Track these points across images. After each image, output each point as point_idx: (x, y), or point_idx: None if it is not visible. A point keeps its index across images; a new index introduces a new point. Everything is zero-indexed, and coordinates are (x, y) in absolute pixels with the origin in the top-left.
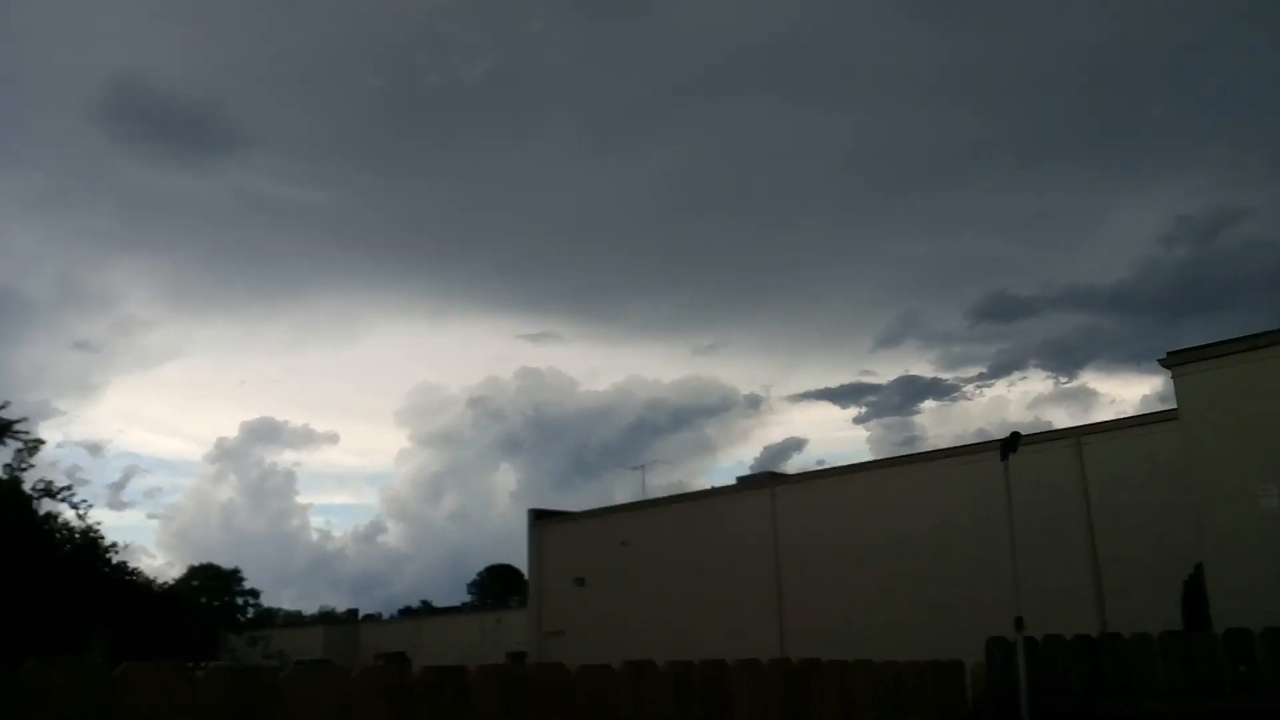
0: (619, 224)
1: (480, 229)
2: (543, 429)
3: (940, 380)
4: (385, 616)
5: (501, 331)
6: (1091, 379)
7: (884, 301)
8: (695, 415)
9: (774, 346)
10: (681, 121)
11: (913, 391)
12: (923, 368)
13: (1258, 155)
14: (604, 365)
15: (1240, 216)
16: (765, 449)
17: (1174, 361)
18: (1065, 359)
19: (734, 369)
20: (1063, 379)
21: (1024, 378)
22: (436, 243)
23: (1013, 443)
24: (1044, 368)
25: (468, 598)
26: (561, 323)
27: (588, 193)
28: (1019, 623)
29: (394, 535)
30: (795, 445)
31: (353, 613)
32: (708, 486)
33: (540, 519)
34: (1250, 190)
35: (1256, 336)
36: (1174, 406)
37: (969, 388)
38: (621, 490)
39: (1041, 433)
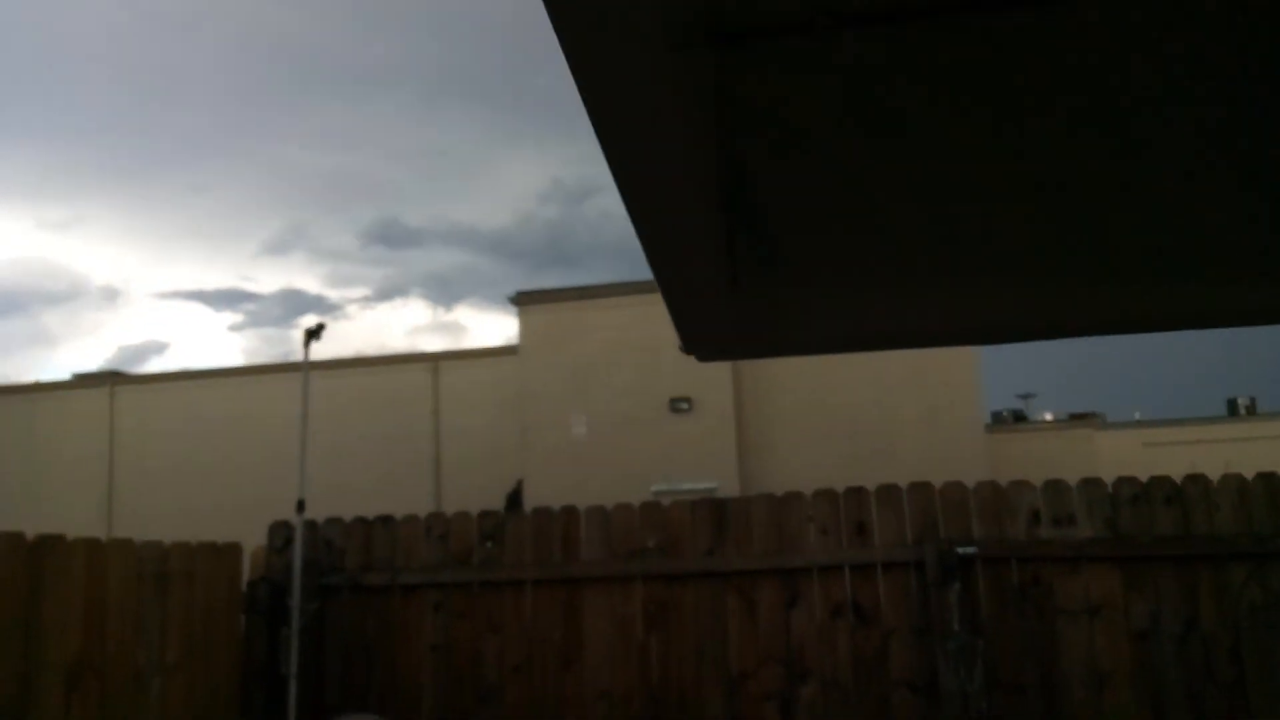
0: None
1: None
2: None
3: (325, 298)
4: None
5: None
6: (465, 314)
7: (273, 207)
8: (33, 301)
9: (143, 234)
10: None
11: (296, 305)
12: (308, 282)
13: None
14: None
15: (600, 190)
16: (121, 349)
17: (521, 301)
18: (445, 292)
19: (90, 253)
20: (441, 310)
21: (405, 305)
22: None
23: (316, 331)
24: (426, 298)
25: None
26: None
27: None
28: (300, 505)
29: None
30: (157, 348)
31: None
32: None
33: None
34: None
35: (586, 288)
36: (518, 343)
37: (353, 308)
38: None
39: (404, 354)
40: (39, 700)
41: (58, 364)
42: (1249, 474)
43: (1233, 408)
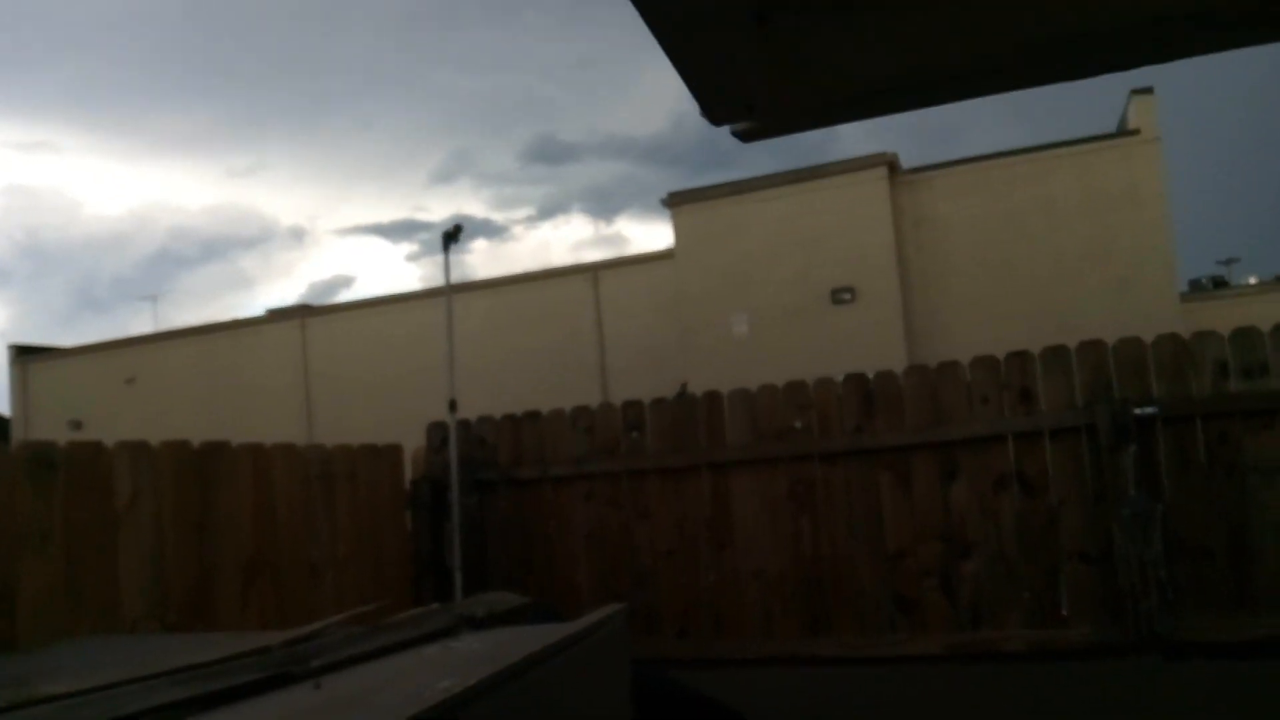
0: (132, 16)
1: None
2: (39, 257)
3: (491, 221)
4: None
5: None
6: (626, 225)
7: (436, 135)
8: (229, 246)
9: (320, 175)
10: None
11: (466, 231)
12: (475, 207)
13: None
14: (118, 185)
15: None
16: (311, 285)
17: (674, 202)
18: (605, 205)
19: (275, 196)
20: (602, 224)
21: (568, 221)
22: None
23: (455, 234)
24: (587, 212)
25: None
26: (61, 130)
27: None
28: (452, 405)
29: None
30: (344, 282)
31: None
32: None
33: (24, 355)
34: None
35: (740, 183)
36: (674, 245)
37: (518, 228)
38: (140, 327)
39: (565, 267)
40: (220, 592)
41: (256, 302)
42: None
43: None
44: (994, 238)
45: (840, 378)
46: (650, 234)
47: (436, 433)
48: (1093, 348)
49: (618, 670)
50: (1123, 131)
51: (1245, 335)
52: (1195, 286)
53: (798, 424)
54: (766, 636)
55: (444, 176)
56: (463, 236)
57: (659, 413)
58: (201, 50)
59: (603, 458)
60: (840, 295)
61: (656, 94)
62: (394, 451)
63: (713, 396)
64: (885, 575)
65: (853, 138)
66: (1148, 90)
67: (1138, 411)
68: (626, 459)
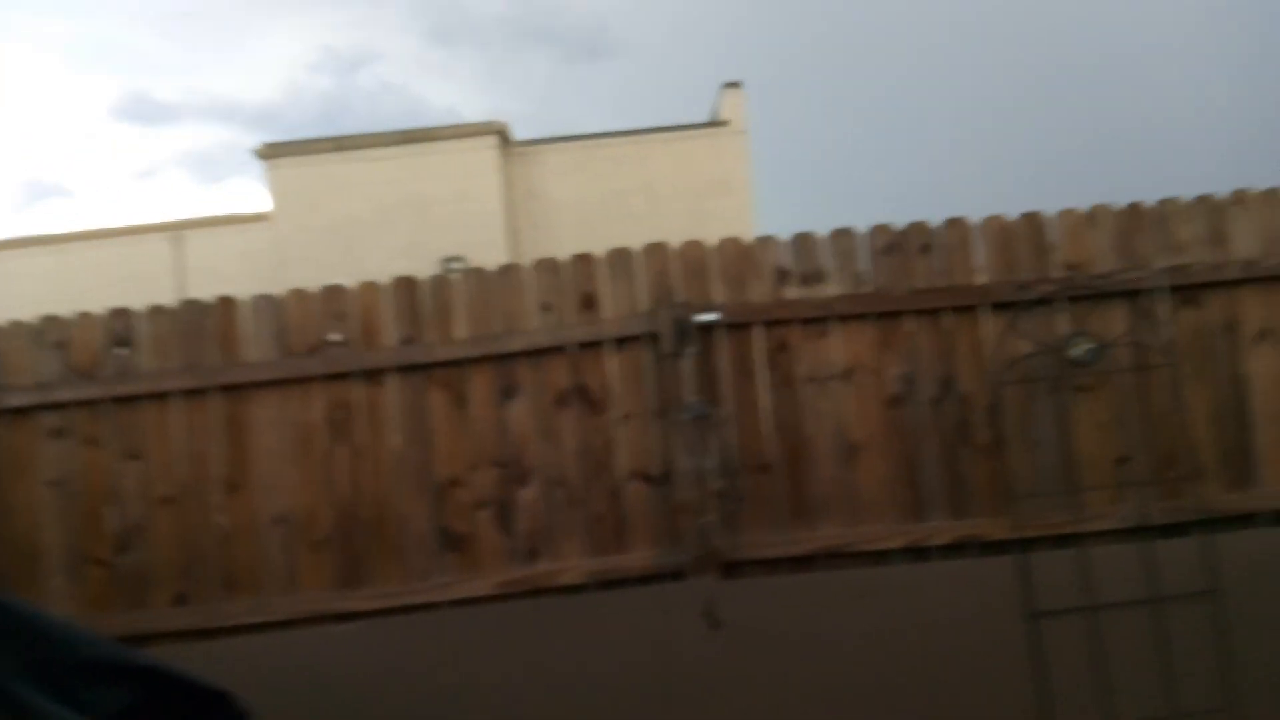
0: None
1: None
2: None
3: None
4: None
5: None
6: (231, 195)
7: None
8: None
9: None
10: None
11: (37, 192)
12: (52, 167)
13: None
14: None
15: (379, 58)
16: None
17: (268, 154)
18: (207, 171)
19: None
20: (202, 190)
21: (163, 185)
22: None
23: None
24: (186, 177)
25: None
26: None
27: None
28: None
29: None
30: None
31: None
32: None
33: None
34: (386, 33)
35: (345, 138)
36: (271, 204)
37: (100, 190)
38: None
39: (140, 225)
40: None
41: None
42: None
43: None
44: (599, 216)
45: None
46: (257, 200)
47: None
48: (657, 251)
49: None
50: (715, 122)
51: (805, 241)
52: None
53: (335, 336)
54: (290, 593)
55: (19, 130)
56: (34, 196)
57: (157, 323)
58: None
59: (80, 383)
60: (451, 263)
61: (269, 58)
62: None
63: (226, 303)
64: (434, 510)
65: (468, 103)
66: (737, 84)
67: (699, 318)
68: (112, 383)
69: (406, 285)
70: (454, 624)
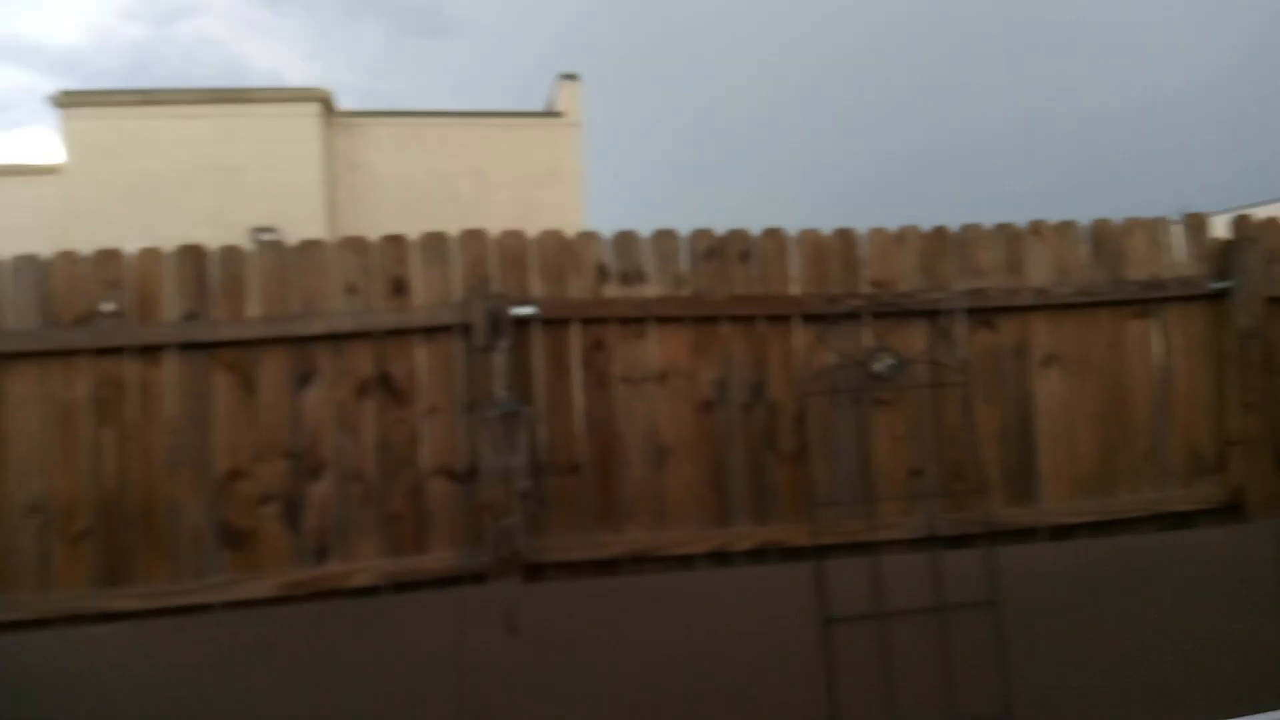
0: None
1: None
2: None
3: None
4: None
5: None
6: (24, 144)
7: None
8: None
9: None
10: None
11: None
12: None
13: None
14: None
15: (198, 9)
16: None
17: (64, 102)
18: None
19: None
20: None
21: None
22: None
23: None
24: None
25: None
26: None
27: None
28: None
29: None
30: None
31: None
32: None
33: None
34: None
35: (151, 92)
36: (65, 155)
37: None
38: None
39: None
40: None
41: None
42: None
43: None
44: (425, 196)
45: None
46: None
47: None
48: (474, 238)
49: None
50: (549, 112)
51: (627, 240)
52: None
53: (108, 306)
54: (44, 590)
55: None
56: None
57: None
58: None
59: None
60: (261, 234)
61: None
62: None
63: None
64: (213, 503)
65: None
66: (574, 76)
67: (514, 311)
68: None
69: (193, 255)
70: (229, 627)
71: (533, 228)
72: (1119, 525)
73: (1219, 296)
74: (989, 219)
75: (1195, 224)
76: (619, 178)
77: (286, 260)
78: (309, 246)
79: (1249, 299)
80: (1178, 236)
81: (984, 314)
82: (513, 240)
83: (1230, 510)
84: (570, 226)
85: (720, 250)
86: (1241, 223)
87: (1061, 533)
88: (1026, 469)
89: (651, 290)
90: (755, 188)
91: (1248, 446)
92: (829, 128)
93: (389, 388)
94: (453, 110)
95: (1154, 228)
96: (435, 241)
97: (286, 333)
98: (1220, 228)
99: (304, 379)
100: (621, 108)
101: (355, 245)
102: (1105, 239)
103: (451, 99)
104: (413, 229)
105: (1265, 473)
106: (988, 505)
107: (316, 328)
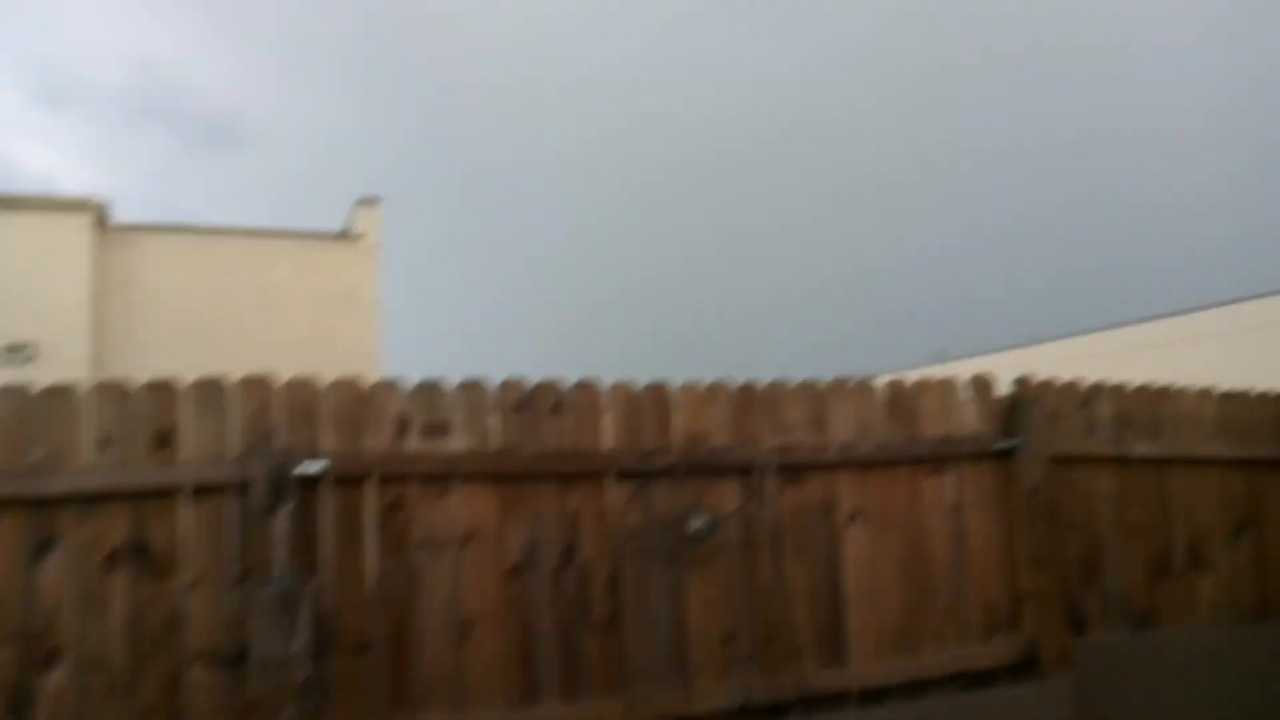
0: None
1: None
2: None
3: None
4: None
5: None
6: None
7: None
8: None
9: None
10: None
11: None
12: None
13: None
14: None
15: None
16: None
17: None
18: None
19: None
20: None
21: None
22: None
23: None
24: None
25: None
26: None
27: None
28: None
29: None
30: None
31: None
32: None
33: None
34: None
35: None
36: None
37: None
38: None
39: None
40: None
41: None
42: None
43: None
44: (207, 317)
45: None
46: None
47: None
48: (256, 385)
49: None
50: (346, 235)
51: (430, 389)
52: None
53: None
54: None
55: None
56: None
57: None
58: None
59: None
60: (15, 351)
61: None
62: None
63: None
64: None
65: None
66: (374, 201)
67: (301, 468)
68: None
69: None
70: None
71: (325, 353)
72: (925, 686)
73: (1007, 454)
74: (811, 371)
75: (982, 385)
76: (423, 305)
77: (29, 407)
78: (56, 392)
79: (1033, 457)
80: (967, 395)
81: (793, 470)
82: (302, 388)
83: (1027, 665)
84: (366, 354)
85: (530, 402)
86: (1023, 385)
87: (871, 696)
88: (836, 629)
89: (457, 444)
90: (572, 321)
91: (1038, 601)
92: (648, 265)
93: (145, 557)
94: (240, 227)
95: (944, 388)
96: (210, 389)
97: (22, 492)
98: (1004, 384)
99: (43, 547)
100: (431, 234)
101: (113, 393)
102: (900, 398)
103: (247, 215)
104: (191, 350)
105: (1055, 626)
106: (800, 669)
107: (60, 486)
